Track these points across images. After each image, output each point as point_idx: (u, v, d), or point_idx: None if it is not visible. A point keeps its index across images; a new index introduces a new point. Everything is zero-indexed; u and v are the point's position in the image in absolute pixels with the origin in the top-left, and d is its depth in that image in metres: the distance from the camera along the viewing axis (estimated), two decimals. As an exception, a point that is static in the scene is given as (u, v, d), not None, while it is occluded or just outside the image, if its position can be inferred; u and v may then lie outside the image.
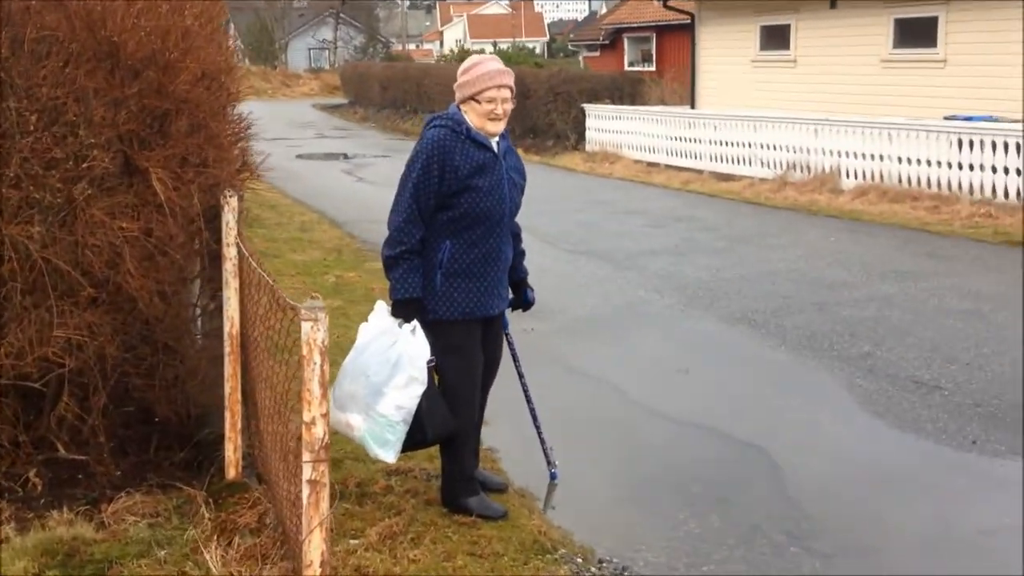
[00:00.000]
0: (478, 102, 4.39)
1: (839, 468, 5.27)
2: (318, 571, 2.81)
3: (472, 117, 4.41)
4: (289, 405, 3.59)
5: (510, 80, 4.45)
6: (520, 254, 4.86)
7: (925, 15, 16.69)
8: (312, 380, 2.72)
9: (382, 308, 4.38)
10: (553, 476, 5.10)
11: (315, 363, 2.71)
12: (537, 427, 5.12)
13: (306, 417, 2.74)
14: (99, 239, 4.24)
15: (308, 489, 2.76)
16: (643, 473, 5.28)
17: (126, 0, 4.25)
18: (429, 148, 4.32)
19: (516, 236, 4.80)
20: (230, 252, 4.40)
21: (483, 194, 4.34)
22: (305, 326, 2.69)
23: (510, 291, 4.84)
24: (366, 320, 4.38)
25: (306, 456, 2.75)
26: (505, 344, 4.94)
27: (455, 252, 4.37)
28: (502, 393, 5.24)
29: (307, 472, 2.75)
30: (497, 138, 4.50)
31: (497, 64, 4.49)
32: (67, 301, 4.33)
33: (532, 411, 5.12)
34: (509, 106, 4.44)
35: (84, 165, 4.15)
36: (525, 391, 5.10)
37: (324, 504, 2.78)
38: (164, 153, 4.33)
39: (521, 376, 5.08)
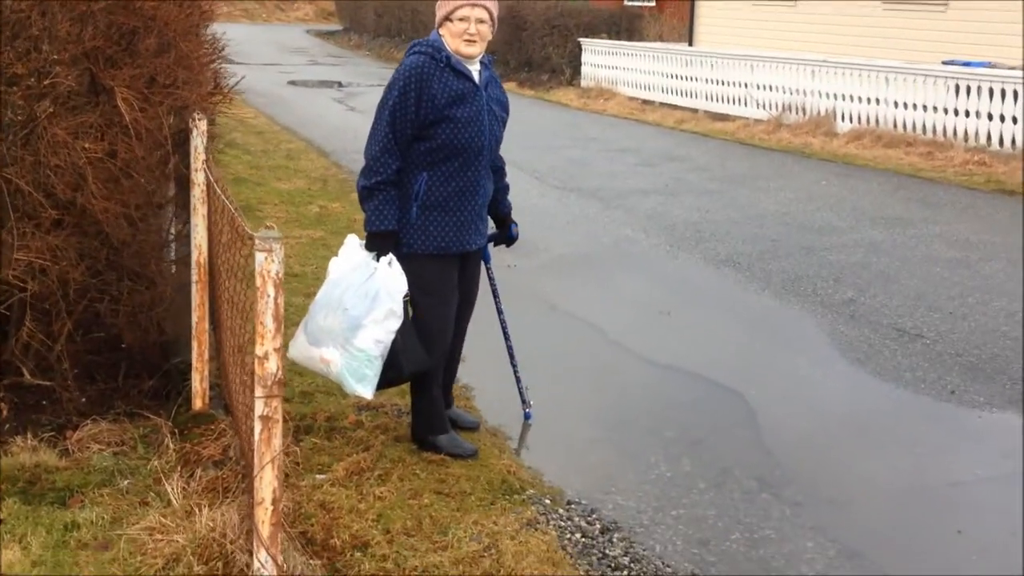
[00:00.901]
0: (451, 21, 4.24)
1: (815, 415, 5.22)
2: (270, 508, 2.74)
3: (448, 40, 4.26)
4: (249, 337, 3.49)
5: (486, 0, 4.27)
6: (504, 188, 4.72)
7: (929, -43, 16.40)
8: (266, 313, 2.62)
9: (354, 241, 4.27)
10: (527, 416, 5.04)
11: (269, 295, 2.61)
12: (514, 366, 5.05)
13: (259, 351, 2.65)
14: (62, 159, 4.10)
15: (260, 425, 2.68)
16: (618, 415, 5.21)
17: (91, -91, 4.06)
18: (406, 75, 4.18)
19: (499, 170, 4.67)
20: (198, 178, 4.27)
21: (461, 125, 4.20)
22: (259, 256, 2.58)
23: (492, 226, 4.73)
24: (337, 254, 4.27)
25: (259, 391, 2.66)
26: (485, 279, 4.85)
27: (432, 184, 4.25)
28: (480, 330, 5.16)
29: (259, 408, 2.66)
30: (478, 67, 4.35)
31: None
32: (29, 223, 4.21)
33: (509, 349, 5.04)
34: (485, 28, 4.27)
35: (47, 82, 4.00)
36: (504, 329, 5.03)
37: (277, 440, 2.69)
38: (131, 72, 4.18)
39: (500, 313, 5.00)
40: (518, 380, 5.05)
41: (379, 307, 4.11)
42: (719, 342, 6.32)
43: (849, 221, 9.54)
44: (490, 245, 4.76)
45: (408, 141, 4.20)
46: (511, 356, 5.03)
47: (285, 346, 5.19)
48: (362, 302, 4.10)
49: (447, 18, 4.26)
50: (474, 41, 4.24)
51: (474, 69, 4.31)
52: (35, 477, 4.14)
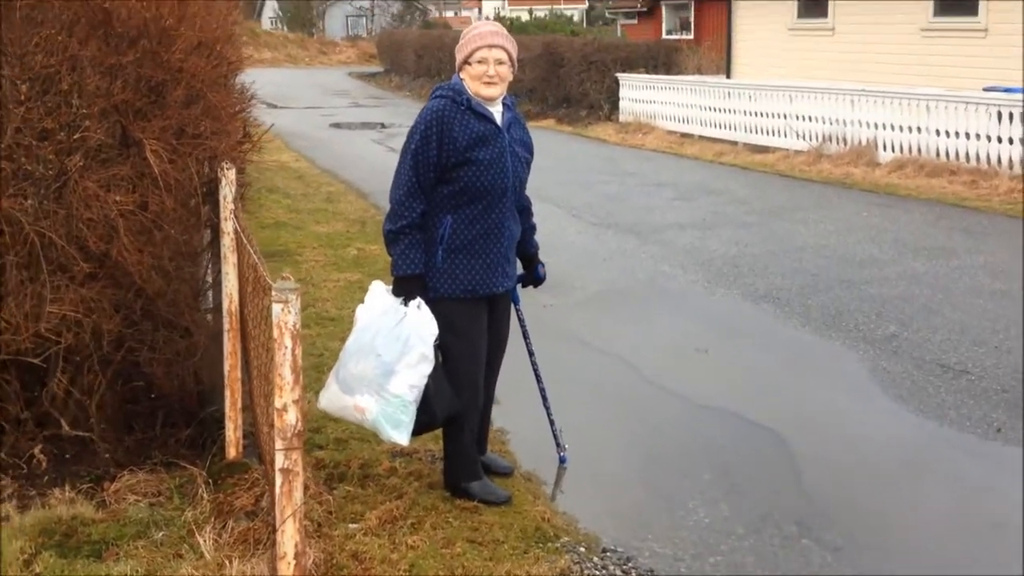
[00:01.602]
0: (470, 64, 4.25)
1: (856, 455, 5.11)
2: (292, 563, 2.71)
3: (469, 83, 4.27)
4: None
5: (503, 41, 4.27)
6: (531, 228, 4.70)
7: (967, -18, 16.24)
8: (284, 365, 2.60)
9: (379, 288, 4.27)
10: (562, 460, 4.98)
11: (287, 347, 2.60)
12: (547, 408, 5.00)
13: (277, 403, 2.63)
14: (94, 212, 4.15)
15: (281, 478, 2.66)
16: (655, 457, 5.14)
17: (119, -33, 4.12)
18: (428, 119, 4.19)
19: (525, 210, 4.65)
20: (227, 226, 4.30)
21: (483, 167, 4.19)
22: (276, 308, 2.58)
23: (520, 266, 4.71)
24: (362, 301, 4.27)
25: (279, 444, 2.64)
26: (516, 321, 4.81)
27: (456, 227, 4.24)
28: (515, 372, 5.12)
29: (280, 460, 2.65)
30: (501, 109, 4.34)
31: (491, 26, 4.35)
32: (62, 276, 4.25)
33: (542, 391, 4.99)
34: (504, 69, 4.27)
35: (77, 136, 4.05)
36: (535, 370, 4.98)
37: (298, 494, 2.67)
38: (160, 124, 4.23)
39: (531, 354, 4.96)
40: (552, 423, 5.00)
41: (412, 351, 4.09)
42: (758, 380, 6.23)
43: (891, 253, 9.40)
44: (518, 286, 4.74)
45: (432, 184, 4.20)
46: (544, 398, 4.99)
47: (313, 394, 5.20)
48: (394, 347, 4.08)
49: (466, 61, 4.27)
50: (494, 83, 4.25)
51: (496, 111, 4.31)
52: (71, 530, 4.15)
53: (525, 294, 4.90)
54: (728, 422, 5.56)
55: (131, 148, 4.31)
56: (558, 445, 4.99)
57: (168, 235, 4.39)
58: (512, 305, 4.73)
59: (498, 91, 4.28)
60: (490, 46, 4.23)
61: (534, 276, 4.79)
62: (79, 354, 4.48)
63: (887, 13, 17.68)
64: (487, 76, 4.23)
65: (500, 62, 4.25)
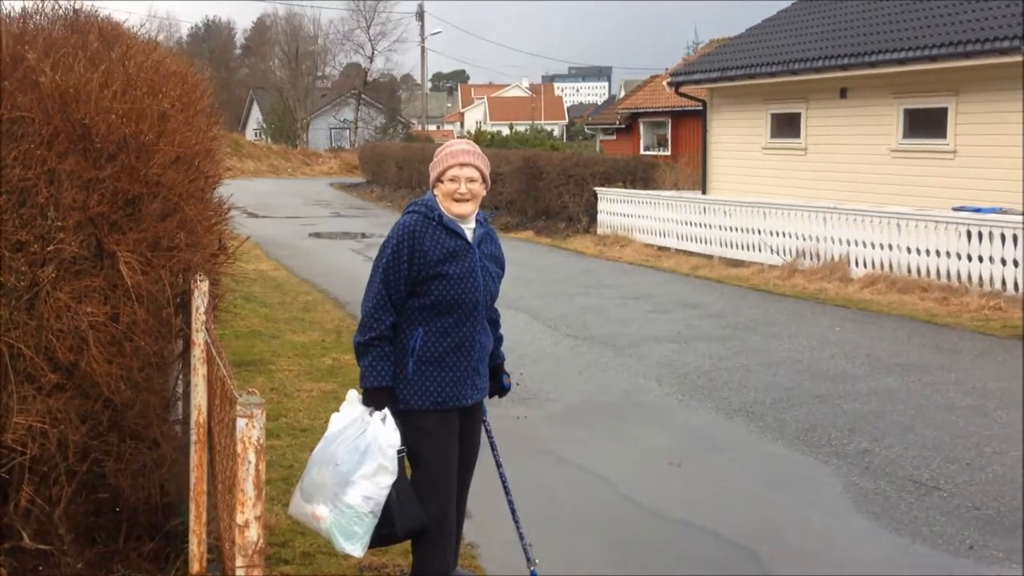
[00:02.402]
0: (443, 182, 4.32)
1: (829, 572, 5.06)
2: None
3: (441, 200, 4.34)
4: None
5: (475, 160, 4.35)
6: (498, 340, 4.73)
7: (935, 106, 16.72)
8: (246, 480, 2.59)
9: (354, 397, 4.27)
10: (533, 575, 4.91)
11: (250, 462, 2.59)
12: (516, 522, 4.94)
13: (239, 519, 2.61)
14: (64, 323, 4.15)
15: (241, 598, 2.62)
16: (627, 572, 5.08)
17: (101, 83, 4.20)
18: (399, 233, 4.26)
19: (494, 322, 4.69)
20: (199, 338, 4.30)
21: (454, 282, 4.24)
22: (240, 423, 2.57)
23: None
24: (338, 410, 4.27)
25: (239, 560, 2.61)
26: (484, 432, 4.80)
27: (427, 340, 4.27)
28: (486, 485, 5.09)
29: (240, 579, 2.61)
30: (473, 225, 4.41)
31: (464, 144, 4.43)
32: (30, 386, 4.22)
33: (511, 504, 4.94)
34: (476, 186, 4.33)
35: (51, 248, 4.08)
36: (504, 482, 4.94)
37: (258, 614, 2.62)
38: (135, 237, 4.26)
39: (499, 466, 4.92)
40: (521, 537, 4.93)
41: (369, 462, 4.07)
42: (732, 495, 6.20)
43: (864, 368, 9.47)
44: (485, 398, 4.75)
45: (402, 297, 4.24)
46: (513, 511, 4.94)
47: (280, 507, 5.12)
48: (352, 457, 4.08)
49: (439, 179, 4.35)
50: (465, 200, 4.31)
51: (468, 227, 4.37)
52: (28, 646, 4.05)
53: (498, 404, 4.90)
54: (702, 538, 5.52)
55: (105, 260, 4.33)
56: (528, 559, 4.93)
57: (139, 346, 4.39)
58: (483, 419, 4.73)
59: (469, 208, 4.34)
60: (462, 164, 4.31)
61: (499, 386, 4.79)
62: (44, 465, 4.41)
63: (857, 135, 18.15)
64: (458, 193, 4.30)
65: (471, 180, 4.32)
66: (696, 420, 7.87)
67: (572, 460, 6.83)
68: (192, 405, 4.47)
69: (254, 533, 2.64)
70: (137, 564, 4.78)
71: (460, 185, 4.30)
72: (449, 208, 4.31)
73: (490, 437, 4.89)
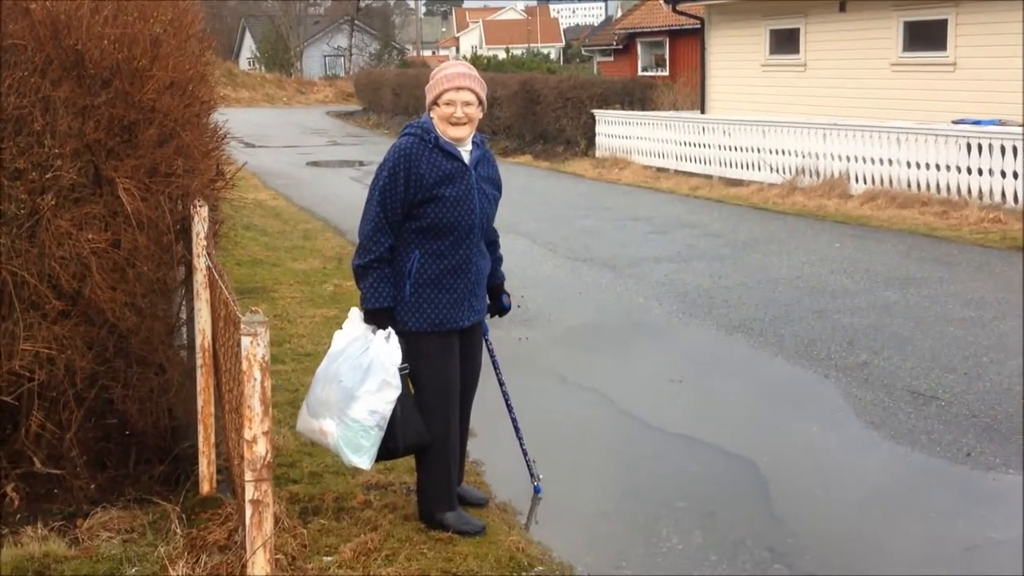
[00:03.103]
0: (439, 106, 4.31)
1: (828, 482, 5.16)
2: (263, 594, 2.73)
3: (437, 123, 4.33)
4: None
5: (471, 83, 4.33)
6: (498, 260, 4.78)
7: (934, 18, 16.53)
8: (253, 397, 2.64)
9: (356, 315, 4.34)
10: (537, 490, 5.01)
11: (255, 379, 2.64)
12: (519, 439, 5.03)
13: (247, 435, 2.67)
14: (66, 251, 4.18)
15: (251, 509, 2.69)
16: (629, 487, 5.18)
17: (91, 9, 4.17)
18: (395, 156, 4.26)
19: (493, 243, 4.73)
20: (200, 263, 4.34)
21: (450, 204, 4.26)
22: (244, 340, 2.62)
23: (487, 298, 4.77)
24: (340, 328, 4.33)
25: (248, 475, 2.67)
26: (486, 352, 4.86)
27: (424, 262, 4.30)
28: (490, 404, 5.16)
29: (250, 491, 2.67)
30: (470, 147, 4.41)
31: (460, 67, 4.41)
32: (35, 314, 4.27)
33: (514, 422, 5.03)
34: (473, 110, 4.33)
35: (49, 175, 4.09)
36: (507, 401, 5.02)
37: (268, 524, 2.70)
38: (132, 163, 4.27)
39: (502, 384, 4.99)
40: (525, 453, 5.03)
41: (372, 378, 4.15)
42: (731, 410, 6.28)
43: (863, 283, 9.51)
44: (487, 317, 4.79)
45: (399, 220, 4.26)
46: (516, 429, 5.03)
47: (287, 428, 5.19)
48: (355, 374, 4.16)
49: (435, 102, 4.34)
50: (461, 123, 4.31)
51: (465, 149, 4.37)
52: (44, 567, 4.13)
53: (500, 327, 4.95)
54: (702, 452, 5.61)
55: (103, 187, 4.35)
56: (532, 475, 5.02)
57: (141, 272, 4.42)
58: (484, 338, 4.78)
59: (466, 132, 4.34)
60: (458, 88, 4.29)
61: (499, 306, 4.84)
62: (53, 391, 4.48)
63: (857, 49, 17.96)
64: (454, 117, 4.29)
65: (468, 103, 4.31)
66: (696, 338, 7.93)
67: (573, 380, 6.90)
68: (196, 329, 4.52)
69: (262, 448, 2.70)
70: (148, 487, 4.88)
71: (456, 109, 4.28)
72: (446, 132, 4.30)
73: (492, 357, 4.95)
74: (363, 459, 4.19)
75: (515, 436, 5.03)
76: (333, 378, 4.17)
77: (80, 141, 4.20)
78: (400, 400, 4.19)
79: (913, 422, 5.92)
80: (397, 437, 4.23)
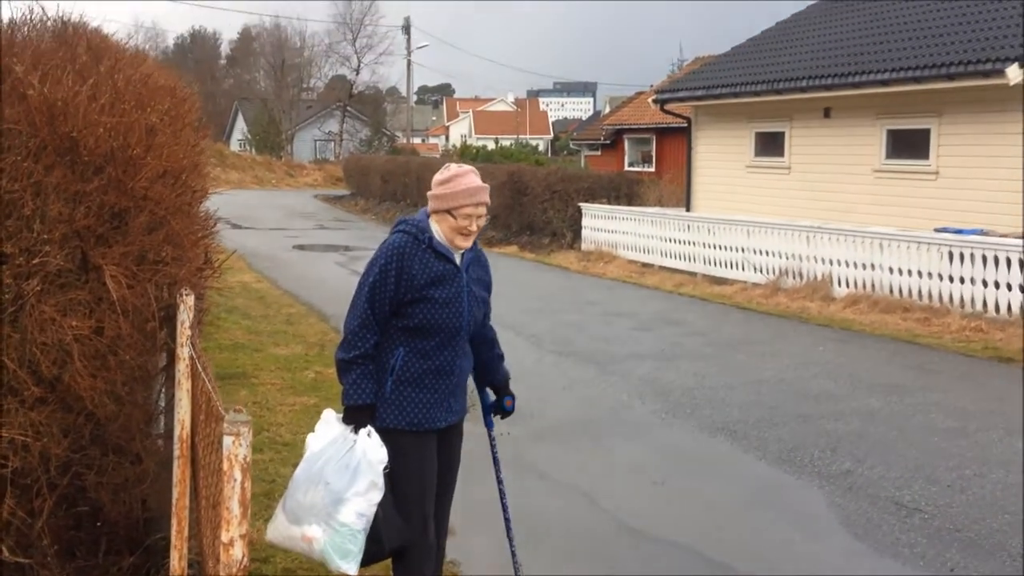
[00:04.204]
0: (453, 217, 4.26)
1: (811, 594, 5.08)
2: None
3: (443, 228, 4.29)
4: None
5: (487, 197, 4.34)
6: (498, 357, 4.70)
7: (917, 127, 16.85)
8: (232, 499, 2.58)
9: (330, 416, 4.25)
10: None
11: (235, 480, 2.58)
12: (510, 539, 4.84)
13: (224, 537, 2.60)
14: (48, 337, 4.12)
15: (225, 616, 2.61)
16: (608, 593, 5.08)
17: (89, 96, 4.19)
18: (388, 253, 4.24)
19: (490, 341, 4.67)
20: (183, 353, 4.28)
21: (439, 306, 4.23)
22: (227, 440, 2.57)
23: (491, 394, 4.70)
24: (312, 430, 4.24)
25: (223, 581, 2.60)
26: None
27: (407, 360, 4.26)
28: (470, 502, 5.08)
29: (224, 599, 2.60)
30: (463, 249, 4.40)
31: (476, 179, 4.34)
32: (12, 399, 4.19)
33: (507, 521, 4.85)
34: (483, 222, 4.33)
35: (36, 261, 4.06)
36: (502, 499, 4.83)
37: (242, 634, 2.61)
38: (121, 250, 4.24)
39: (500, 482, 4.82)
40: (513, 555, 4.86)
41: (361, 479, 4.05)
42: (713, 514, 6.21)
43: (846, 388, 9.51)
44: (493, 416, 4.74)
45: (386, 317, 4.23)
46: (508, 529, 4.85)
47: (262, 522, 5.07)
48: (343, 475, 4.04)
49: (449, 211, 4.27)
50: (472, 235, 4.31)
51: (457, 251, 4.35)
52: (6, 661, 4.01)
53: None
54: (683, 557, 5.52)
55: (90, 273, 4.31)
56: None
57: (123, 360, 4.36)
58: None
59: (472, 241, 4.35)
60: (477, 203, 4.27)
61: (501, 408, 4.73)
62: (26, 478, 4.38)
63: (841, 154, 18.27)
64: (467, 230, 4.28)
65: (480, 216, 4.31)
66: (679, 438, 7.88)
67: (555, 476, 6.83)
68: (176, 420, 4.44)
69: (239, 551, 2.63)
70: (116, 579, 4.75)
71: (471, 223, 4.27)
72: (453, 240, 4.28)
73: (494, 453, 4.82)
74: (351, 565, 4.05)
75: (506, 535, 4.89)
76: (318, 480, 4.03)
77: (69, 227, 4.18)
78: (380, 502, 4.11)
79: (897, 534, 5.86)
80: (382, 539, 4.14)
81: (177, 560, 4.49)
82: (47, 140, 4.19)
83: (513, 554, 4.84)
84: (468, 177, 4.35)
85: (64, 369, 4.22)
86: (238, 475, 2.63)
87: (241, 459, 2.62)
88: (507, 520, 4.86)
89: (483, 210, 4.32)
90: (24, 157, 4.17)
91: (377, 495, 4.09)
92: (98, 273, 4.28)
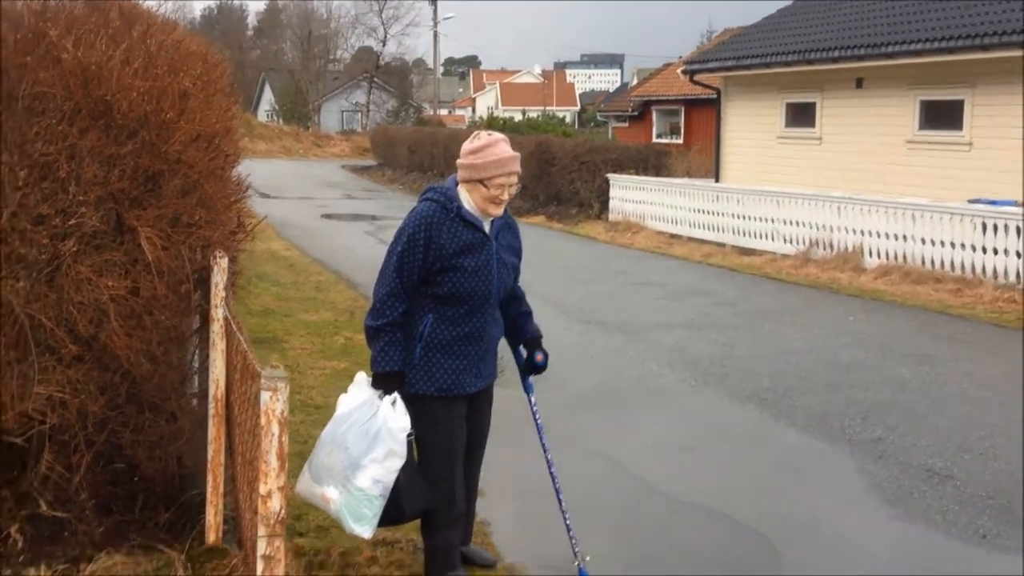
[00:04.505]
0: (486, 187, 4.24)
1: (841, 558, 5.08)
2: (270, 653, 2.68)
3: (474, 197, 4.28)
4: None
5: (519, 166, 4.33)
6: (526, 314, 4.69)
7: (951, 98, 16.65)
8: (270, 452, 2.61)
9: (363, 379, 4.27)
10: (582, 573, 4.64)
11: (273, 434, 2.62)
12: (563, 511, 4.71)
13: (262, 490, 2.64)
14: (85, 296, 4.17)
15: (262, 565, 2.65)
16: (638, 555, 5.10)
17: (122, 60, 4.22)
18: (416, 222, 4.21)
19: (517, 299, 4.67)
20: (217, 313, 4.33)
21: (468, 274, 4.22)
22: (264, 395, 2.60)
23: (523, 355, 4.68)
24: (346, 391, 4.27)
25: (261, 530, 2.63)
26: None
27: (436, 327, 4.26)
28: (502, 465, 5.09)
29: (261, 547, 2.64)
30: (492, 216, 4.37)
31: (508, 149, 4.32)
32: (50, 357, 4.25)
33: (557, 491, 4.74)
34: (515, 190, 4.32)
35: (72, 222, 4.10)
36: (550, 469, 4.75)
37: (279, 583, 2.65)
38: (155, 213, 4.28)
39: (546, 451, 4.74)
40: (568, 528, 4.71)
41: (379, 447, 4.06)
42: (743, 480, 6.21)
43: (877, 358, 9.46)
44: (531, 377, 4.72)
45: (415, 286, 4.22)
46: (559, 500, 4.72)
47: (295, 481, 5.14)
48: (362, 441, 4.06)
49: (482, 181, 4.25)
50: (504, 203, 4.30)
51: (487, 219, 4.34)
52: (46, 611, 4.09)
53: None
54: (713, 522, 5.53)
55: (125, 235, 4.36)
56: (575, 554, 4.68)
57: (158, 320, 4.41)
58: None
59: (503, 209, 4.34)
60: (510, 173, 4.27)
61: (532, 364, 4.69)
62: (64, 434, 4.46)
63: (873, 125, 18.10)
64: (500, 199, 4.27)
65: (512, 185, 4.30)
66: (708, 406, 7.88)
67: (583, 444, 6.85)
68: (210, 379, 4.50)
69: (276, 503, 2.67)
70: (153, 534, 4.83)
71: (504, 192, 4.26)
72: (485, 209, 4.27)
73: (536, 423, 4.76)
74: (365, 528, 4.09)
75: (559, 508, 4.73)
76: (339, 444, 4.07)
77: (104, 189, 4.22)
78: (403, 468, 4.10)
79: (928, 501, 5.84)
80: (402, 505, 4.16)
81: (213, 515, 4.56)
82: (81, 104, 4.22)
83: (568, 527, 4.70)
84: (500, 146, 4.32)
85: (100, 328, 4.27)
86: (276, 429, 2.66)
87: (278, 414, 2.66)
88: (557, 491, 4.75)
89: (515, 179, 4.31)
90: (59, 120, 4.21)
91: (396, 462, 4.10)
92: (133, 235, 4.33)
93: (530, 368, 4.72)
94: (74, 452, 4.51)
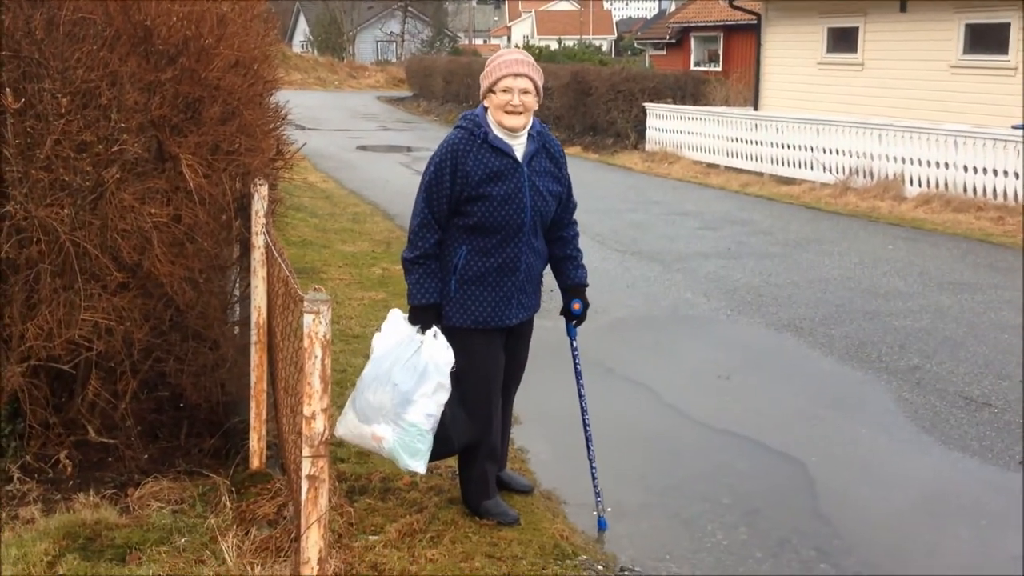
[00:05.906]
0: (495, 93, 4.19)
1: (877, 485, 5.11)
2: (315, 568, 2.76)
3: (492, 112, 4.22)
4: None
5: (529, 70, 4.20)
6: (568, 259, 4.56)
7: (997, 20, 16.26)
8: (313, 374, 2.66)
9: (397, 316, 4.26)
10: (601, 524, 4.61)
11: (316, 356, 2.66)
12: (591, 460, 4.68)
13: (306, 411, 2.69)
14: (128, 224, 4.23)
15: (307, 484, 2.71)
16: (674, 481, 5.16)
17: (161, -15, 4.23)
18: (442, 152, 4.18)
19: (564, 241, 4.53)
20: (258, 241, 4.38)
21: (497, 203, 4.15)
22: (307, 318, 2.64)
23: (562, 295, 4.60)
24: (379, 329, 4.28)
25: (305, 451, 2.70)
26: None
27: (470, 259, 4.22)
28: (539, 392, 5.13)
29: (306, 467, 2.70)
30: (524, 141, 4.26)
31: (517, 54, 4.27)
32: (95, 284, 4.33)
33: (587, 440, 4.68)
34: (530, 99, 4.18)
35: (115, 149, 4.15)
36: (583, 415, 4.69)
37: (323, 500, 2.72)
38: (196, 140, 4.32)
39: (582, 397, 4.70)
40: (594, 478, 4.67)
41: (428, 381, 4.08)
42: (779, 408, 6.24)
43: (916, 286, 9.40)
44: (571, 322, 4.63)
45: (445, 216, 4.19)
46: (588, 448, 4.68)
47: (336, 408, 5.24)
48: (411, 376, 4.07)
49: (491, 89, 4.21)
50: (518, 112, 4.17)
51: (518, 143, 4.24)
52: (95, 534, 4.20)
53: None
54: (748, 449, 5.57)
55: (167, 162, 4.40)
56: (597, 502, 4.66)
57: (200, 248, 4.47)
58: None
59: (522, 121, 4.20)
60: (515, 75, 4.17)
61: (569, 311, 4.60)
62: (110, 361, 4.55)
63: (916, 50, 17.72)
64: (511, 105, 4.16)
65: (525, 91, 4.18)
66: (744, 335, 7.88)
67: (619, 372, 6.89)
68: (252, 306, 4.56)
69: (320, 424, 2.73)
70: (198, 459, 4.95)
71: (513, 96, 4.16)
72: (501, 121, 4.19)
73: (576, 365, 4.69)
74: (419, 463, 4.12)
75: (587, 456, 4.68)
76: (386, 380, 4.06)
77: (145, 116, 4.25)
78: (448, 401, 4.14)
79: (965, 428, 5.85)
80: (451, 438, 4.20)
81: (256, 441, 4.65)
82: (121, 29, 4.24)
83: (594, 477, 4.66)
84: (508, 53, 4.32)
85: (144, 255, 4.34)
86: (319, 351, 2.70)
87: (321, 336, 2.70)
88: (588, 439, 4.68)
89: (525, 83, 4.19)
90: (100, 47, 4.23)
91: (444, 396, 4.13)
92: (174, 162, 4.37)
93: (565, 314, 4.65)
94: (120, 379, 4.62)
